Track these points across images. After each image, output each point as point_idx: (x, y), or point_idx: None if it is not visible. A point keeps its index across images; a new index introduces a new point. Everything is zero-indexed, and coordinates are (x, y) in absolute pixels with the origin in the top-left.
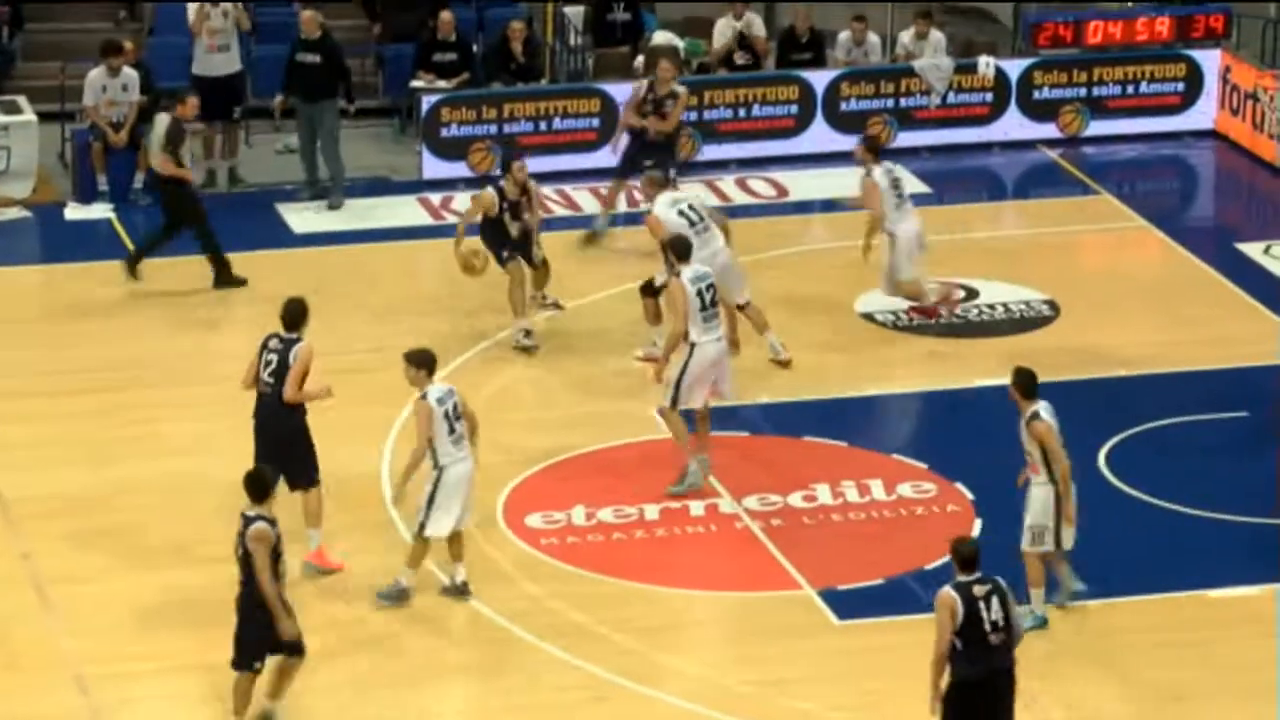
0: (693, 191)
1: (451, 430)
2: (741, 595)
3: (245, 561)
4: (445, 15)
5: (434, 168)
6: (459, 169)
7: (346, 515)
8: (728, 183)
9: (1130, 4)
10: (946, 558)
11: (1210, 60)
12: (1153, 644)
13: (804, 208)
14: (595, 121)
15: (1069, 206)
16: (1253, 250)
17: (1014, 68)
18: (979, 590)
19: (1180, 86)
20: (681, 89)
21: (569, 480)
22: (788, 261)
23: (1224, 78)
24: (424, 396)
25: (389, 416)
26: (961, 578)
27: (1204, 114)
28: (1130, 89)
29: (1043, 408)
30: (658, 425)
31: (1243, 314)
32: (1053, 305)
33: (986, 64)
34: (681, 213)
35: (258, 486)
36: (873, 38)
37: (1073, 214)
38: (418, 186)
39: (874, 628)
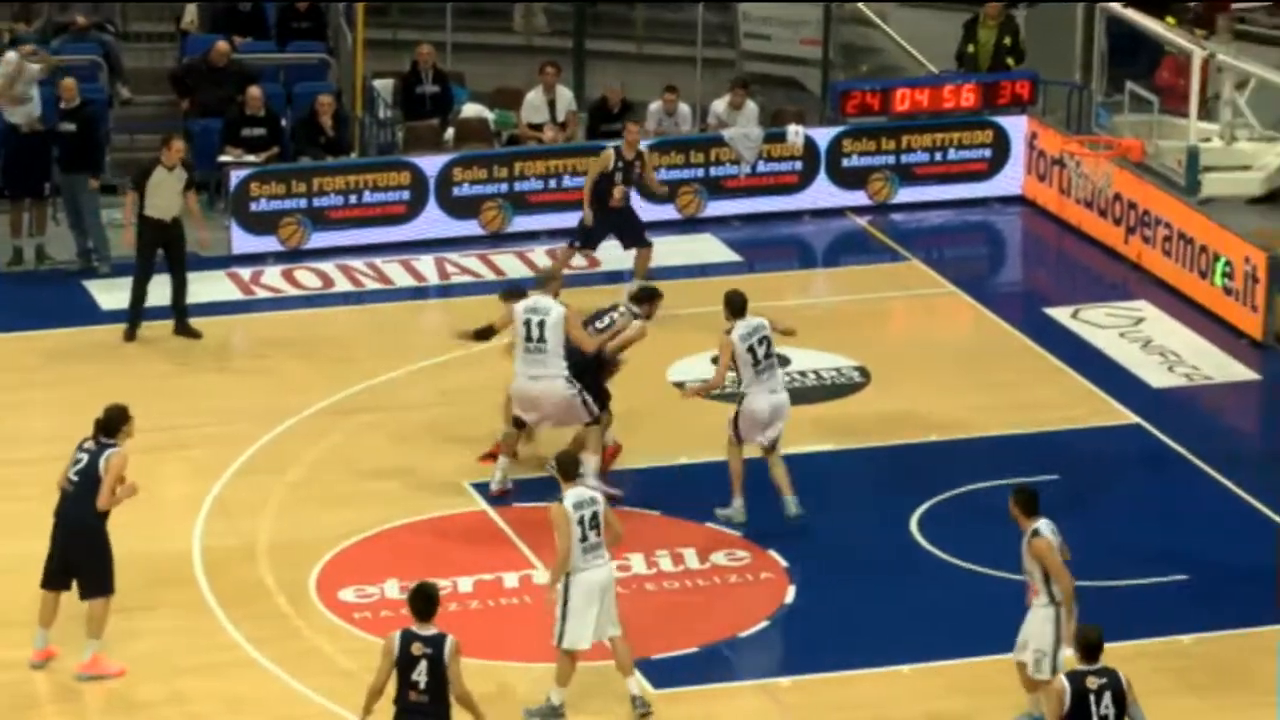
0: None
1: (584, 538)
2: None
3: None
4: (253, 90)
5: (244, 242)
6: (269, 243)
7: (158, 594)
8: (538, 253)
9: (937, 72)
10: (761, 624)
11: (1016, 126)
12: (956, 712)
13: (615, 277)
14: (405, 194)
15: (879, 273)
16: (1061, 315)
17: (823, 136)
18: (1092, 683)
19: (987, 153)
20: (644, 148)
21: (382, 553)
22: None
23: (1030, 144)
24: (560, 501)
25: (201, 493)
26: (1080, 667)
27: (1011, 180)
28: (938, 156)
29: (1044, 525)
30: (473, 498)
31: (1052, 378)
32: (863, 371)
33: (795, 133)
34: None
35: None
36: (683, 108)
37: (882, 280)
38: (227, 261)
39: (691, 696)
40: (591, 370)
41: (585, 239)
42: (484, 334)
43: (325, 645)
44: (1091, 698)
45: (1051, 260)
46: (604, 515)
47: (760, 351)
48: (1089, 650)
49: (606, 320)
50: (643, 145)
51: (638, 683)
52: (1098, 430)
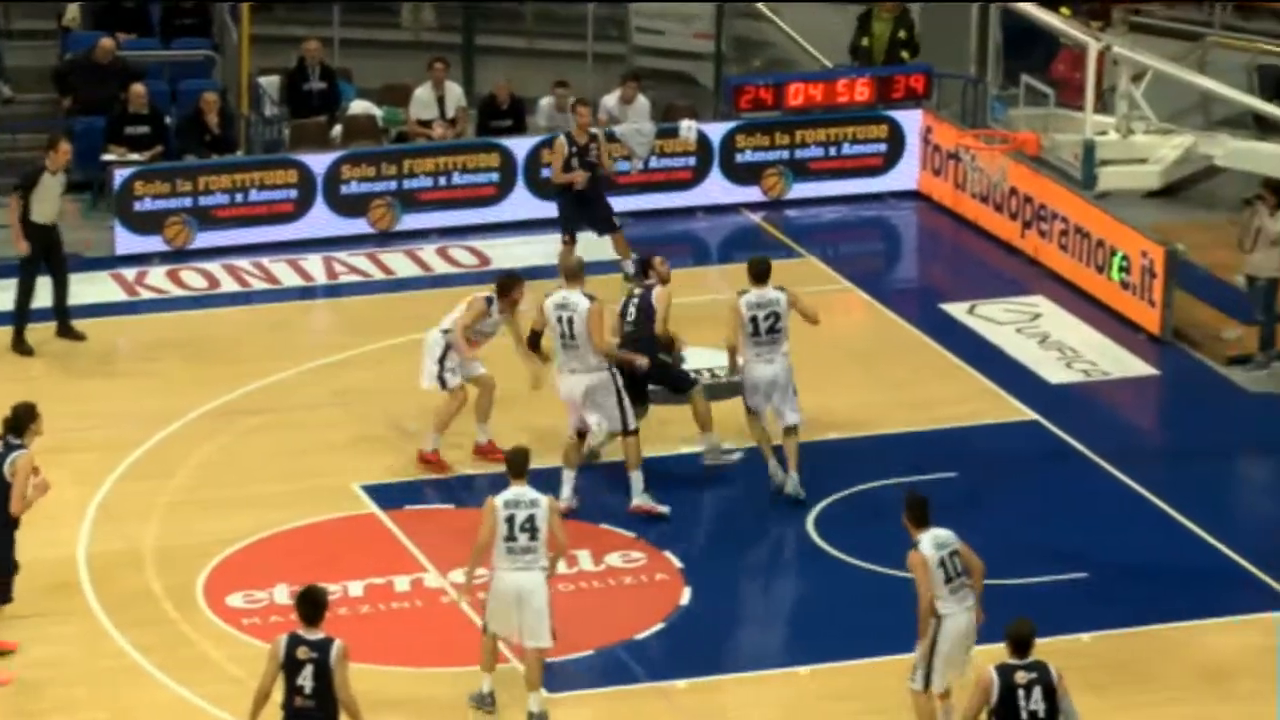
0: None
1: (511, 538)
2: (451, 671)
3: None
4: (137, 88)
5: (128, 242)
6: (154, 243)
7: (44, 601)
8: (428, 252)
9: (831, 66)
10: (657, 626)
11: (911, 121)
12: (853, 712)
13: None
14: (293, 193)
15: (773, 270)
16: (957, 310)
17: (716, 131)
18: (1022, 677)
19: (882, 148)
20: (597, 130)
21: (272, 557)
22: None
23: (925, 138)
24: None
25: (86, 499)
26: (1010, 660)
27: (906, 175)
28: (832, 151)
29: (926, 539)
30: (364, 501)
31: (949, 375)
32: None
33: (688, 128)
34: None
35: None
36: None
37: (777, 277)
38: (111, 262)
39: (587, 699)
40: (653, 351)
41: (567, 229)
42: (535, 342)
43: (213, 652)
44: (1020, 692)
45: (947, 256)
46: (547, 522)
47: (763, 324)
48: (1019, 644)
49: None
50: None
51: (539, 700)
52: (995, 427)
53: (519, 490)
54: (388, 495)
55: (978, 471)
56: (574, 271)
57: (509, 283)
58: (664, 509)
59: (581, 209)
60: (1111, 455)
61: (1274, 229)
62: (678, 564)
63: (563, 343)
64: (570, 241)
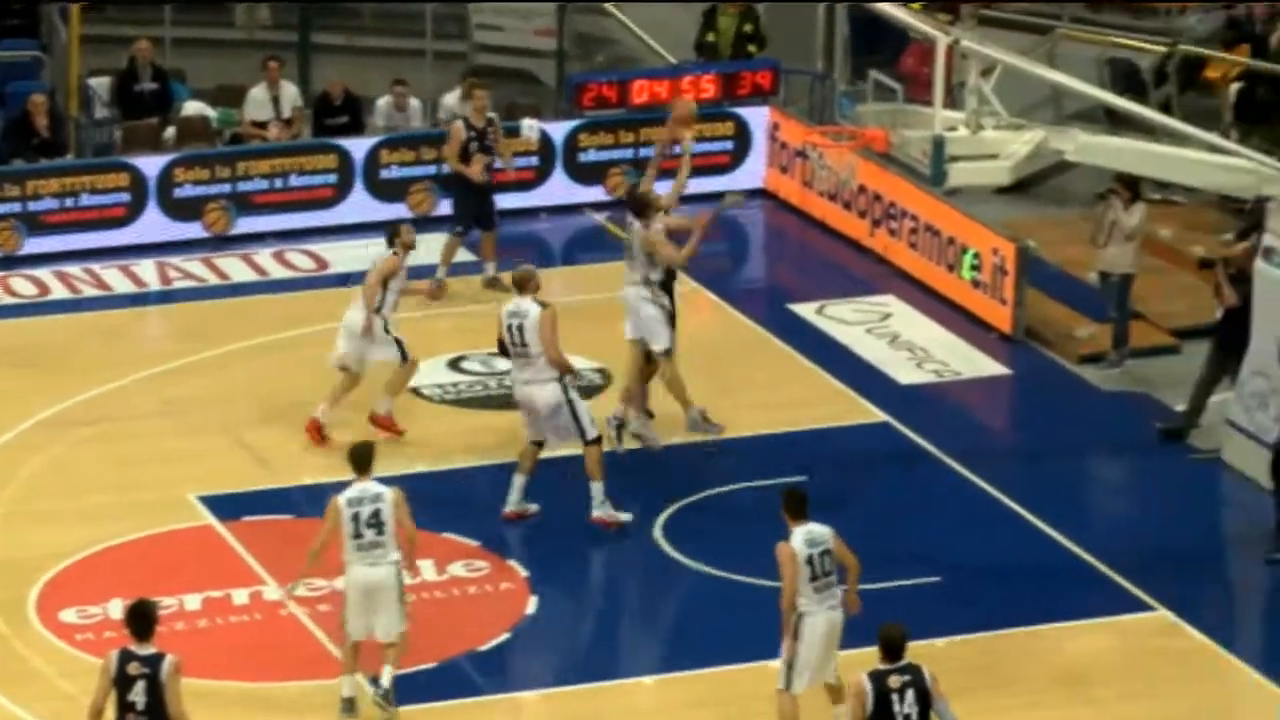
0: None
1: (358, 534)
2: (292, 685)
3: None
4: None
5: None
6: None
7: None
8: (264, 256)
9: (675, 62)
10: (502, 636)
11: (758, 118)
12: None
13: (345, 280)
14: (125, 196)
15: (618, 271)
16: (806, 311)
17: (559, 130)
18: (894, 681)
19: (729, 145)
20: (494, 115)
21: (105, 571)
22: (327, 336)
23: (772, 135)
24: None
25: None
26: (881, 666)
27: (753, 173)
28: (678, 148)
29: (799, 533)
30: (200, 512)
31: (798, 376)
32: (604, 373)
33: (530, 127)
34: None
35: None
36: (414, 102)
37: (622, 279)
38: None
39: (432, 713)
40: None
41: (462, 221)
42: (503, 351)
43: (45, 667)
44: (894, 697)
45: (796, 255)
46: (393, 514)
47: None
48: (890, 649)
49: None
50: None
51: (389, 675)
52: (846, 429)
53: (363, 486)
54: (225, 506)
55: (829, 474)
56: (524, 279)
57: (393, 227)
58: (625, 517)
59: (479, 199)
60: (964, 456)
61: (1128, 223)
62: (523, 572)
63: (514, 351)
64: (461, 234)
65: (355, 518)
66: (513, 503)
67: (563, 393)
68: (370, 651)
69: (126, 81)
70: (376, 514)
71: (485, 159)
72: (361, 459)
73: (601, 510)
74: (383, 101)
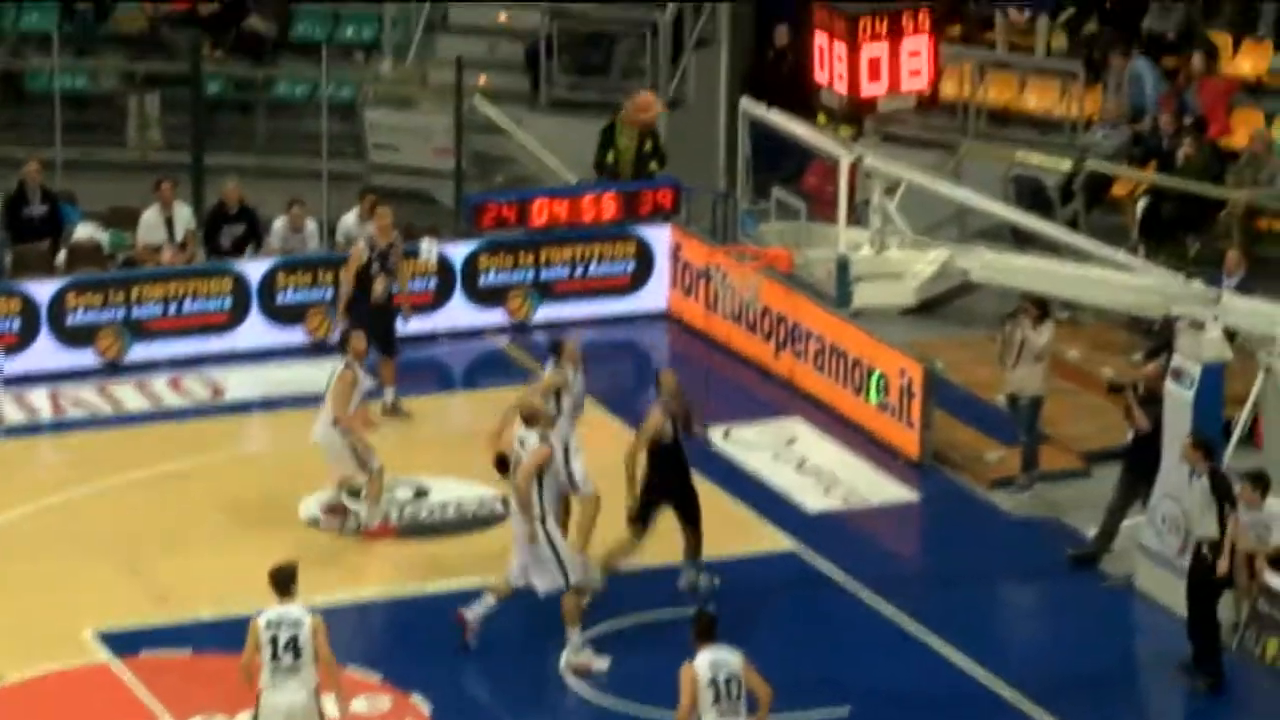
0: None
1: (275, 657)
2: None
3: None
4: None
5: None
6: None
7: None
8: (160, 384)
9: (575, 182)
10: None
11: (660, 238)
12: None
13: (242, 408)
14: (15, 323)
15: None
16: (711, 435)
17: (458, 252)
18: None
19: (630, 266)
20: (398, 234)
21: None
22: (224, 465)
23: (675, 255)
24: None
25: None
26: None
27: (656, 294)
28: (579, 270)
29: (702, 657)
30: (96, 649)
31: (703, 504)
32: (507, 502)
33: (429, 249)
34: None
35: None
36: (310, 224)
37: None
38: None
39: None
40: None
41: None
42: (503, 465)
43: None
44: None
45: (700, 378)
46: (310, 640)
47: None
48: None
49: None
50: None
51: None
52: (752, 559)
53: (281, 610)
54: (122, 641)
55: (735, 604)
56: (533, 414)
57: (347, 335)
58: (602, 665)
59: (380, 321)
60: (873, 583)
61: (1037, 343)
62: (425, 709)
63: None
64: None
65: (274, 641)
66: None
67: (545, 535)
68: None
69: (15, 205)
70: (292, 640)
71: (387, 280)
72: (282, 580)
73: (577, 657)
74: (278, 223)
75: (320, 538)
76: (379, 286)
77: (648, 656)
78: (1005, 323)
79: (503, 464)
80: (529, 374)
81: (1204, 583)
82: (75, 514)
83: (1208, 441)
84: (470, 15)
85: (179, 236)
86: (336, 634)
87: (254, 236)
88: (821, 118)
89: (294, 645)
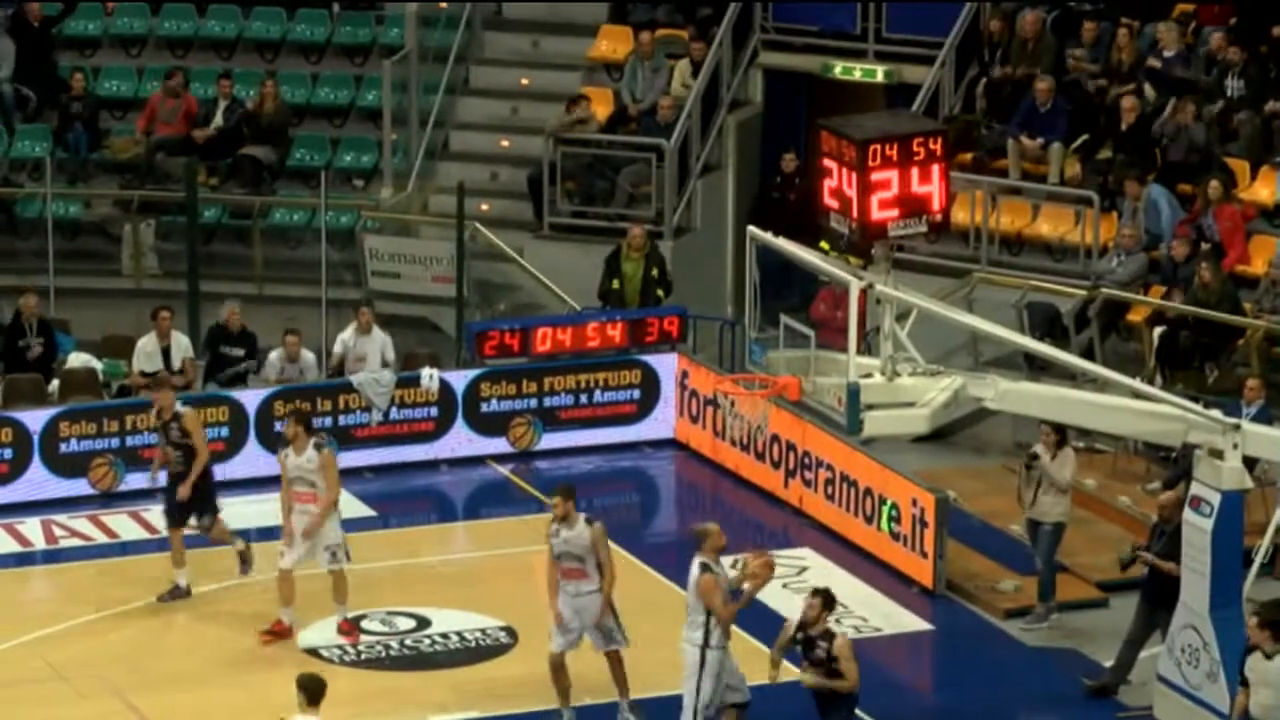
0: None
1: None
2: None
3: None
4: None
5: None
6: None
7: None
8: (155, 513)
9: (579, 309)
10: None
11: (666, 365)
12: None
13: (240, 536)
14: (8, 452)
15: (524, 526)
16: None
17: (459, 380)
18: None
19: (636, 394)
20: (185, 409)
21: None
22: (222, 595)
23: (681, 383)
24: None
25: None
26: None
27: (662, 422)
28: (583, 398)
29: None
30: None
31: None
32: (510, 632)
33: (430, 376)
34: None
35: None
36: (307, 355)
37: (528, 533)
38: None
39: None
40: None
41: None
42: None
43: None
44: None
45: (708, 507)
46: None
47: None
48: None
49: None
50: (180, 407)
51: None
52: (765, 689)
53: None
54: None
55: None
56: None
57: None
58: None
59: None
60: (886, 714)
61: (1059, 474)
62: None
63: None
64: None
65: None
66: None
67: (699, 658)
68: None
69: (11, 336)
70: None
71: (166, 452)
72: (314, 691)
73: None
74: (274, 354)
75: (319, 668)
76: (158, 460)
77: None
78: (1021, 467)
79: None
80: (533, 503)
81: None
82: (68, 646)
83: (1276, 619)
84: (471, 141)
85: (176, 365)
86: None
87: (253, 358)
88: (825, 245)
89: None
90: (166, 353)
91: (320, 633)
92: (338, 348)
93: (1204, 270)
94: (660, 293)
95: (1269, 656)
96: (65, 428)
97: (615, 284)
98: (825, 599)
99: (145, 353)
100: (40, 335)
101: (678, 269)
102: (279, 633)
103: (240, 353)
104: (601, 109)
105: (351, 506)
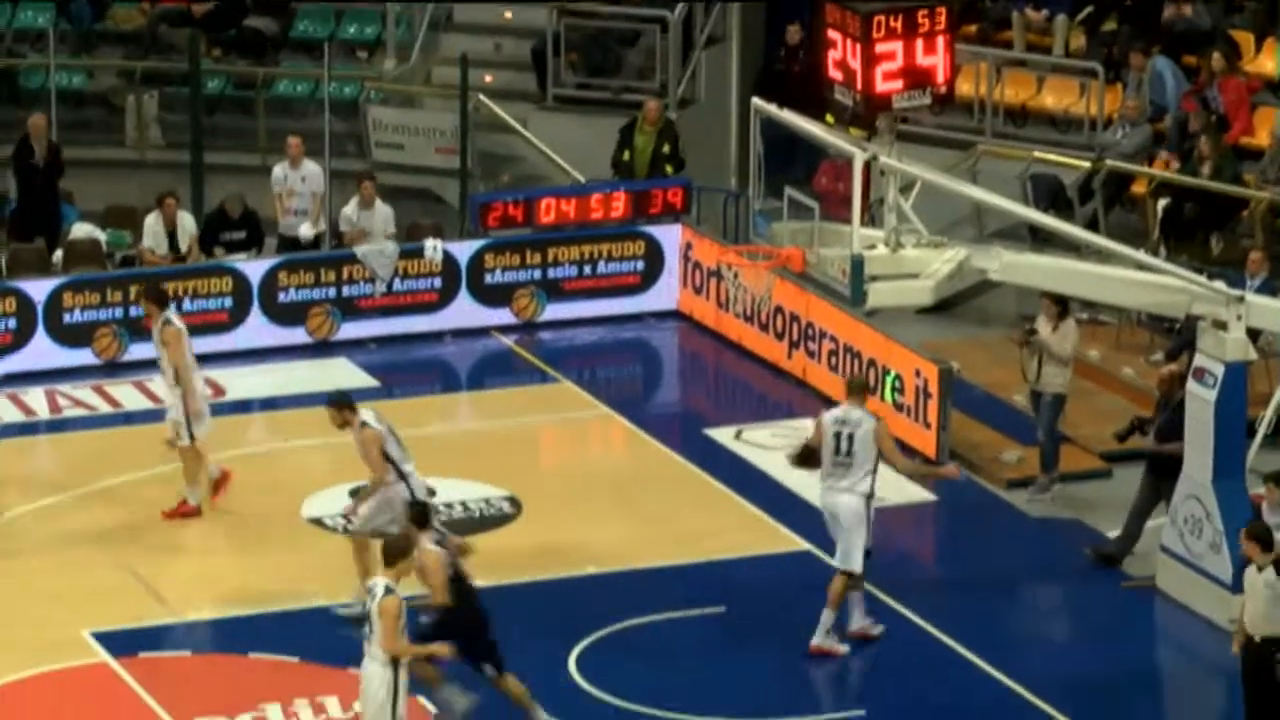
0: None
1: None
2: None
3: None
4: None
5: None
6: None
7: None
8: (159, 383)
9: (583, 181)
10: None
11: (670, 237)
12: None
13: (243, 407)
14: (11, 322)
15: (527, 396)
16: (723, 436)
17: (463, 251)
18: None
19: (639, 265)
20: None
21: None
22: (227, 465)
23: (685, 255)
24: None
25: None
26: None
27: (666, 293)
28: (587, 269)
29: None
30: (94, 650)
31: (715, 504)
32: (514, 502)
33: (434, 247)
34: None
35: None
36: (383, 206)
37: (531, 403)
38: None
39: None
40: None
41: None
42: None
43: None
44: None
45: (711, 378)
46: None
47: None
48: None
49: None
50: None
51: None
52: (765, 558)
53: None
54: (120, 642)
55: (747, 605)
56: (859, 387)
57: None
58: (844, 649)
59: None
60: (888, 585)
61: (1061, 347)
62: (432, 709)
63: (835, 459)
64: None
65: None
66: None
67: (865, 508)
68: None
69: (21, 154)
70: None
71: None
72: (388, 552)
73: (824, 640)
74: (350, 206)
75: (323, 537)
76: None
77: (655, 659)
78: (1021, 341)
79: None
80: (536, 373)
81: (1267, 685)
82: (73, 514)
83: (1264, 532)
84: (475, 13)
85: (183, 246)
86: (341, 635)
87: (255, 242)
88: (829, 117)
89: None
90: (172, 236)
91: (322, 503)
92: (343, 224)
93: (1202, 143)
94: (669, 168)
95: (1260, 569)
96: (69, 298)
97: (626, 156)
98: None
99: (152, 230)
100: (50, 156)
101: (683, 140)
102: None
103: (242, 235)
104: None
105: (356, 377)
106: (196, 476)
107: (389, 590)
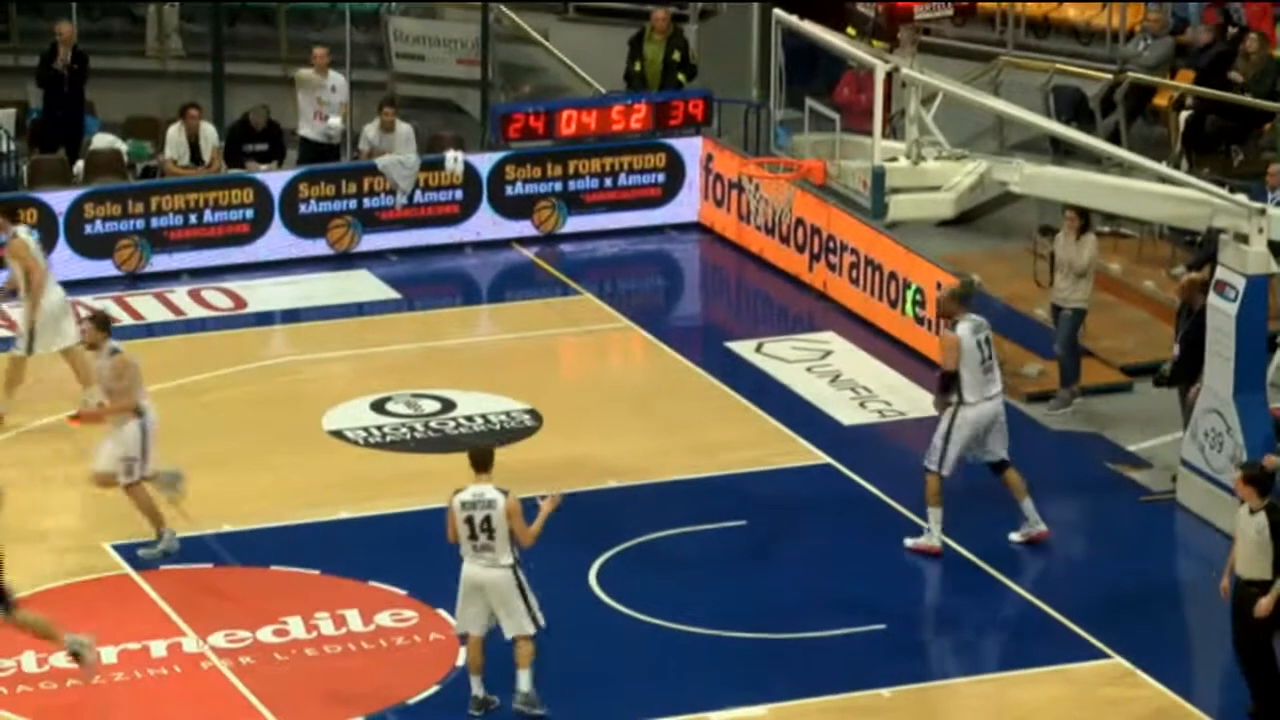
0: None
1: (474, 536)
2: None
3: None
4: None
5: None
6: None
7: None
8: (180, 295)
9: (604, 92)
10: (431, 689)
11: (691, 149)
12: None
13: (264, 319)
14: (36, 234)
15: (548, 308)
16: (744, 349)
17: (484, 162)
18: None
19: (661, 178)
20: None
21: None
22: (246, 378)
23: (706, 167)
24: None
25: None
26: None
27: (687, 206)
28: (608, 182)
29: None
30: (116, 560)
31: (736, 417)
32: (535, 415)
33: (454, 159)
34: None
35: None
36: (403, 126)
37: (552, 316)
38: None
39: None
40: None
41: None
42: None
43: None
44: None
45: (732, 291)
46: (504, 522)
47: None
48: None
49: None
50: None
51: (528, 679)
52: (785, 471)
53: (477, 489)
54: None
55: (767, 519)
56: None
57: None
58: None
59: None
60: (908, 500)
61: (1080, 259)
62: (453, 621)
63: (984, 368)
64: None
65: (470, 521)
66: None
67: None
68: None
69: (47, 62)
70: (487, 520)
71: None
72: (482, 458)
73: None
74: (369, 127)
75: (344, 450)
76: None
77: (676, 572)
78: (1037, 243)
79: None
80: (557, 286)
81: (1253, 627)
82: (93, 426)
83: (1261, 475)
84: None
85: (206, 158)
86: (361, 548)
87: (278, 154)
88: (850, 29)
89: (487, 525)
90: (195, 147)
91: (344, 416)
92: (362, 144)
93: (1251, 40)
94: (681, 77)
95: (1252, 512)
96: (90, 209)
97: (638, 66)
98: None
99: (174, 141)
100: (76, 64)
101: (703, 52)
102: None
103: (264, 147)
104: None
105: (376, 289)
106: (12, 388)
107: (505, 493)
